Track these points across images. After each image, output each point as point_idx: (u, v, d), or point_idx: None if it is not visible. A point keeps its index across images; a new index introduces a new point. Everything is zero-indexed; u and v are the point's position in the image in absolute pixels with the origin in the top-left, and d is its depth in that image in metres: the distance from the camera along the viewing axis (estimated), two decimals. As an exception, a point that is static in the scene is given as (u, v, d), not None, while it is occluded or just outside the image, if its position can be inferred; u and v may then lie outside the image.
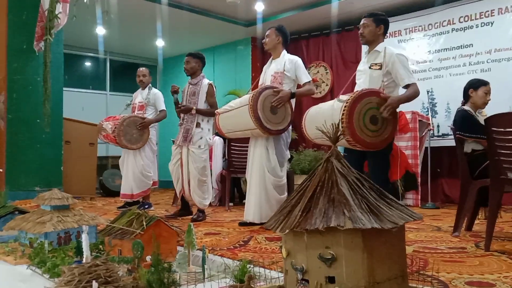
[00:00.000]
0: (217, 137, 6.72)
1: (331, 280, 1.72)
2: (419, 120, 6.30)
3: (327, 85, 8.28)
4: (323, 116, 3.34)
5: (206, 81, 4.93)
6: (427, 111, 6.48)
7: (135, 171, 5.81)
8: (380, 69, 3.55)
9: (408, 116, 6.26)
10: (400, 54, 3.61)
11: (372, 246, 1.73)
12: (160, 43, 9.25)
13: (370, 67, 3.62)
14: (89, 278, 1.36)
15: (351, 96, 3.21)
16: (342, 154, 1.99)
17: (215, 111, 4.56)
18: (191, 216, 4.93)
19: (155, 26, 8.19)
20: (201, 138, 4.78)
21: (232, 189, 6.59)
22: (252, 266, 2.04)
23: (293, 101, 4.31)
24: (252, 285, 1.73)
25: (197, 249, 2.59)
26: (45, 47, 5.91)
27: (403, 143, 6.28)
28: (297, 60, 4.35)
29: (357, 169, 3.76)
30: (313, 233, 1.75)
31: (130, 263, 2.45)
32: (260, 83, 4.47)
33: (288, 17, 7.85)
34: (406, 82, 3.50)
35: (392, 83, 3.56)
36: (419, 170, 6.28)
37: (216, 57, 9.72)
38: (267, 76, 4.40)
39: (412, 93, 3.48)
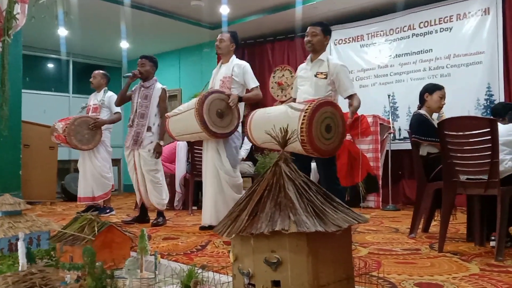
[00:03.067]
0: (181, 141, 6.67)
1: (276, 284, 1.73)
2: (380, 124, 6.40)
3: (292, 88, 8.31)
4: (275, 122, 3.37)
5: (159, 85, 4.92)
6: (388, 114, 6.59)
7: (93, 172, 5.72)
8: (326, 78, 3.72)
9: (370, 119, 6.35)
10: (343, 65, 3.81)
11: (317, 249, 1.74)
12: (124, 45, 9.13)
13: (315, 75, 3.76)
14: (24, 286, 1.32)
15: (310, 106, 3.25)
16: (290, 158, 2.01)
17: (165, 115, 4.56)
18: (151, 222, 4.86)
19: (119, 28, 8.07)
20: (151, 142, 4.76)
21: (195, 192, 6.54)
22: (201, 271, 2.03)
23: (241, 105, 4.38)
24: (198, 291, 1.71)
25: (151, 255, 2.56)
26: (3, 48, 5.74)
27: (364, 146, 6.37)
28: (245, 65, 4.44)
29: (305, 172, 3.88)
30: (259, 237, 1.76)
31: (80, 270, 2.40)
32: (209, 87, 4.53)
33: (253, 20, 7.87)
34: (349, 93, 3.70)
35: (334, 92, 3.74)
36: (380, 172, 6.38)
37: (182, 59, 9.67)
38: (216, 81, 4.48)
39: (358, 104, 3.68)
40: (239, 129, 4.40)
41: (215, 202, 4.23)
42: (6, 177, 6.19)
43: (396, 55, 7.11)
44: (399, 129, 6.92)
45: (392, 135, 6.55)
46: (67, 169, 9.06)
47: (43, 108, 9.07)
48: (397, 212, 5.96)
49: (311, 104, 3.30)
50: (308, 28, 3.85)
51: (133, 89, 5.04)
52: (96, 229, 2.65)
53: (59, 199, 8.33)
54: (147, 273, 2.49)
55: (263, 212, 1.78)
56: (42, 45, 9.25)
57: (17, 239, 3.06)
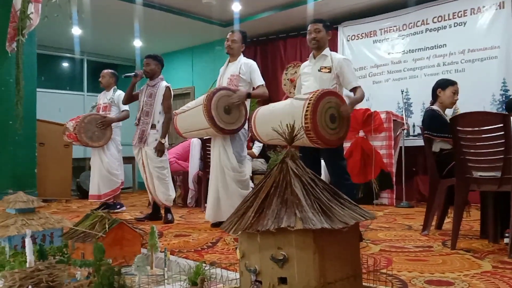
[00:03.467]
0: (194, 138, 6.70)
1: (283, 281, 1.72)
2: (394, 120, 6.34)
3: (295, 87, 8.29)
4: (280, 116, 3.39)
5: (164, 84, 4.98)
6: (402, 111, 6.53)
7: (101, 169, 5.79)
8: (330, 72, 3.72)
9: (383, 116, 6.31)
10: (347, 59, 3.84)
11: (324, 246, 1.73)
12: (137, 43, 9.19)
13: (319, 70, 3.77)
14: (31, 282, 1.34)
15: (314, 94, 3.27)
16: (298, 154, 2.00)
17: (173, 112, 4.60)
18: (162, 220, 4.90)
19: (132, 27, 8.13)
20: (155, 140, 4.82)
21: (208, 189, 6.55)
22: (209, 267, 2.03)
23: (247, 103, 4.43)
24: (205, 287, 1.72)
25: (161, 251, 2.58)
26: (18, 47, 5.83)
27: (377, 142, 6.33)
28: (252, 63, 4.50)
29: (313, 169, 3.85)
30: (265, 234, 1.75)
31: (91, 266, 2.42)
32: (217, 85, 4.55)
33: (265, 17, 7.86)
34: (353, 85, 3.69)
35: (339, 85, 3.75)
36: (394, 169, 6.33)
37: (195, 57, 9.70)
38: (223, 79, 4.52)
39: (360, 96, 3.65)
40: (246, 126, 4.41)
41: (218, 198, 4.28)
42: (22, 175, 6.28)
43: (410, 50, 7.05)
44: (413, 126, 6.85)
45: (405, 131, 6.49)
46: (82, 167, 9.16)
47: (58, 106, 9.18)
48: (411, 209, 5.91)
49: (315, 92, 3.31)
50: (309, 26, 3.86)
51: (141, 88, 5.13)
52: (107, 226, 2.67)
53: (75, 196, 8.43)
54: (157, 270, 2.51)
55: (269, 209, 1.78)
56: (56, 44, 9.35)
57: (31, 237, 3.12)
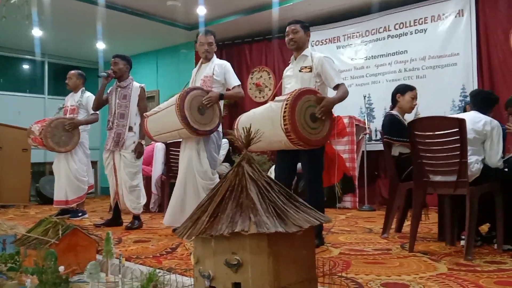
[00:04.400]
0: (158, 143, 6.62)
1: (237, 286, 1.71)
2: (356, 125, 6.43)
3: (270, 89, 8.32)
4: (260, 120, 3.33)
5: (137, 84, 4.85)
6: (364, 115, 6.63)
7: (69, 175, 5.61)
8: (311, 71, 3.66)
9: (346, 120, 6.38)
10: (327, 57, 3.75)
11: (278, 250, 1.73)
12: (100, 45, 9.02)
13: (300, 70, 3.72)
14: (-32, 292, 1.28)
15: (291, 94, 3.21)
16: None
17: (144, 114, 4.49)
18: (124, 225, 4.79)
19: (95, 28, 7.96)
20: (133, 142, 4.70)
21: (171, 194, 6.47)
22: (164, 274, 1.99)
23: (221, 103, 4.32)
24: (158, 294, 1.68)
25: (116, 258, 2.52)
26: (-26, 49, 5.65)
27: (340, 147, 6.39)
28: (226, 64, 4.38)
29: (290, 171, 3.78)
30: (220, 239, 1.74)
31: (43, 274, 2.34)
32: (190, 85, 4.45)
33: (230, 21, 7.84)
34: (336, 83, 3.59)
35: (322, 85, 3.67)
36: (356, 173, 6.41)
37: (160, 60, 9.60)
38: (196, 80, 4.38)
39: (343, 94, 3.56)
40: (220, 128, 4.30)
41: (182, 203, 4.12)
42: (-23, 180, 6.07)
43: (372, 56, 7.16)
44: (375, 130, 6.96)
45: (367, 136, 6.59)
46: (42, 171, 8.92)
47: (18, 109, 8.93)
48: (373, 212, 5.99)
49: (292, 92, 3.25)
50: (287, 27, 3.82)
51: (108, 91, 4.96)
52: (60, 232, 2.59)
53: (34, 202, 8.19)
54: (112, 277, 2.45)
55: (224, 213, 1.76)
56: (16, 46, 9.09)
57: (-19, 243, 3.00)
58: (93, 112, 5.58)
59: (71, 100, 5.85)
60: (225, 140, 6.53)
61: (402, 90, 4.12)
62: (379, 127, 6.78)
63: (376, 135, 6.96)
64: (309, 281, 1.83)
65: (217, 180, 4.26)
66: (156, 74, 9.63)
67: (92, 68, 10.22)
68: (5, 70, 9.22)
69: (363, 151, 6.52)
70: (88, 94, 5.80)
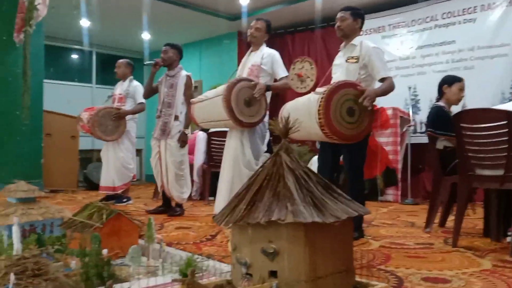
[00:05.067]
0: (200, 132, 6.71)
1: (273, 274, 1.71)
2: (400, 117, 6.30)
3: (312, 80, 8.25)
4: (299, 110, 3.31)
5: (184, 73, 4.87)
6: (409, 107, 6.48)
7: (116, 163, 5.78)
8: (357, 62, 3.52)
9: (389, 112, 6.26)
10: (377, 48, 3.58)
11: (315, 240, 1.72)
12: (146, 36, 9.19)
13: (346, 61, 3.59)
14: (16, 270, 1.34)
15: (328, 88, 3.16)
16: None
17: (191, 100, 4.52)
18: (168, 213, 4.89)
19: (141, 19, 8.12)
20: (179, 131, 4.74)
21: (212, 183, 6.56)
22: (201, 259, 2.03)
23: (268, 94, 4.27)
24: (196, 279, 1.71)
25: (157, 243, 2.58)
26: (25, 38, 5.86)
27: (383, 139, 6.28)
28: (275, 54, 4.31)
29: (333, 162, 3.74)
30: (257, 227, 1.75)
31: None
32: (237, 74, 4.43)
33: (273, 11, 7.80)
34: (382, 75, 3.46)
35: (369, 76, 3.52)
36: (399, 166, 6.29)
37: (203, 51, 9.68)
38: (244, 69, 4.36)
39: (388, 87, 3.42)
40: (266, 119, 4.28)
41: (229, 193, 4.10)
42: (28, 165, 6.34)
43: (418, 46, 6.97)
44: (420, 122, 6.79)
45: (412, 128, 6.45)
46: (90, 158, 9.20)
47: (66, 98, 9.21)
48: (416, 206, 5.87)
49: (330, 85, 3.19)
50: (338, 13, 3.71)
51: (159, 80, 5.01)
52: (104, 217, 2.67)
53: (82, 188, 8.47)
54: (153, 261, 2.51)
55: (261, 202, 1.77)
56: (65, 36, 9.37)
57: (31, 226, 3.14)
58: (140, 101, 5.71)
59: (119, 88, 6.00)
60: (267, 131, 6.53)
61: (449, 81, 4.00)
62: (425, 119, 6.62)
63: (421, 128, 6.79)
64: (346, 272, 1.82)
65: None
66: (199, 64, 9.73)
67: (137, 58, 10.42)
68: (55, 59, 9.52)
69: (407, 144, 6.38)
70: (135, 83, 5.92)
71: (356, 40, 3.63)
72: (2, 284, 1.34)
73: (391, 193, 6.33)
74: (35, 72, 6.12)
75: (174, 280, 1.74)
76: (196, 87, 9.56)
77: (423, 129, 6.69)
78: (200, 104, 4.31)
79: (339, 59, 3.75)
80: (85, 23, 8.34)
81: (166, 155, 4.76)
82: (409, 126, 6.31)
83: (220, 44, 9.25)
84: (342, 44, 3.76)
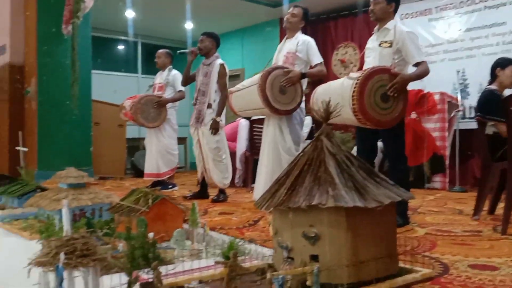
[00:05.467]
0: (243, 119, 6.75)
1: (314, 258, 1.72)
2: (448, 102, 6.11)
3: (355, 65, 8.11)
4: (331, 95, 3.27)
5: (218, 62, 4.92)
6: (458, 92, 6.27)
7: (160, 149, 5.92)
8: (390, 46, 3.45)
9: (436, 97, 6.09)
10: (411, 32, 3.51)
11: (357, 225, 1.71)
12: (188, 25, 9.29)
13: (380, 45, 3.52)
14: (66, 250, 1.40)
15: (362, 74, 3.12)
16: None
17: (228, 90, 4.57)
18: (210, 198, 4.97)
19: (184, 9, 8.22)
20: (212, 119, 4.80)
21: (255, 170, 6.59)
22: (243, 243, 2.05)
23: (304, 81, 4.27)
24: (238, 262, 1.74)
25: (201, 227, 2.63)
26: (73, 29, 6.06)
27: (430, 124, 6.12)
28: (310, 41, 4.29)
29: (371, 148, 3.70)
30: (297, 212, 1.75)
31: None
32: (273, 62, 4.44)
33: (316, -3, 7.71)
34: (416, 60, 3.39)
35: (402, 61, 3.46)
36: (447, 152, 6.11)
37: (245, 39, 9.70)
38: (279, 56, 4.37)
39: (422, 71, 3.36)
40: (302, 105, 4.29)
41: (270, 179, 4.11)
42: (78, 153, 6.57)
43: (467, 29, 6.71)
44: (469, 107, 6.56)
45: (461, 113, 6.24)
46: (137, 146, 9.43)
47: (113, 88, 9.45)
48: (464, 193, 5.70)
49: (365, 71, 3.16)
50: None
51: (197, 68, 5.10)
52: (150, 202, 2.74)
53: (129, 175, 8.71)
54: (197, 245, 2.56)
55: (301, 186, 1.77)
56: (111, 27, 9.59)
57: (81, 210, 3.26)
58: (179, 89, 5.82)
59: (159, 78, 6.13)
60: (308, 118, 6.51)
61: (503, 63, 3.85)
62: (474, 104, 6.40)
63: (470, 113, 6.56)
64: (389, 257, 1.79)
65: None
66: (241, 52, 9.75)
67: (181, 48, 10.56)
68: (102, 50, 9.77)
69: (455, 130, 6.19)
70: (174, 72, 6.03)
71: (390, 24, 3.55)
72: (53, 263, 1.41)
73: (438, 180, 6.16)
74: (83, 62, 6.32)
75: (217, 262, 1.78)
76: (238, 75, 9.62)
77: (472, 114, 6.47)
78: (237, 93, 4.38)
79: (372, 43, 3.69)
80: (130, 14, 8.52)
81: (203, 142, 4.87)
82: (458, 111, 6.11)
83: (262, 31, 9.24)
84: (376, 28, 3.69)
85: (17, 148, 4.69)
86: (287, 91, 4.09)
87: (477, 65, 6.49)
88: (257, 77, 4.11)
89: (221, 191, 4.94)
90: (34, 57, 6.44)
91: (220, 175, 4.86)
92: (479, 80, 6.41)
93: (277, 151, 4.21)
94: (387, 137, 3.48)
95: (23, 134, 4.88)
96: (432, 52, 7.03)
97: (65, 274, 1.34)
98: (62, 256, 1.31)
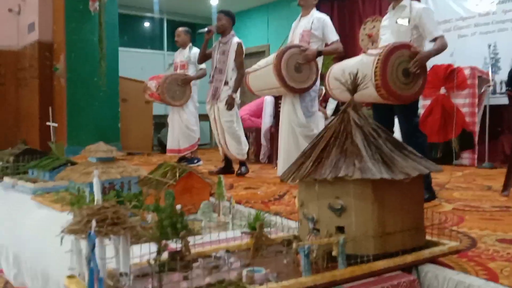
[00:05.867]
0: (268, 96, 6.73)
1: (340, 229, 1.73)
2: (479, 76, 5.95)
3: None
4: (349, 72, 3.27)
5: (235, 40, 4.96)
6: (489, 66, 6.10)
7: (180, 126, 6.00)
8: (408, 23, 3.47)
9: (467, 72, 5.93)
10: (426, 8, 3.58)
11: (383, 197, 1.71)
12: (214, 1, 9.24)
13: (396, 22, 3.53)
14: (97, 218, 1.44)
15: (384, 49, 3.13)
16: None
17: (246, 70, 4.62)
18: (235, 172, 5.02)
19: (209, -16, 8.18)
20: (228, 96, 4.86)
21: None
22: (270, 215, 2.07)
23: (319, 59, 4.28)
24: (264, 233, 1.76)
25: (227, 200, 2.66)
26: (100, 7, 6.11)
27: (460, 100, 5.99)
28: (325, 18, 4.30)
29: (387, 125, 3.69)
30: (323, 184, 1.76)
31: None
32: (289, 41, 4.45)
33: (343, -30, 7.56)
34: (434, 35, 3.41)
35: (420, 37, 3.48)
36: (476, 128, 5.98)
37: (270, 14, 9.59)
38: (295, 34, 4.38)
39: (440, 46, 3.39)
40: (317, 83, 4.32)
41: (288, 155, 4.19)
42: (107, 129, 6.69)
43: (500, 1, 6.47)
44: (501, 82, 6.39)
45: (491, 88, 6.08)
46: (163, 123, 9.50)
47: (139, 65, 9.53)
48: (493, 170, 5.59)
49: (386, 47, 3.17)
50: None
51: (213, 46, 5.15)
52: (177, 175, 2.78)
53: (156, 151, 8.83)
54: (223, 217, 2.60)
55: (328, 158, 1.77)
56: (137, 4, 9.62)
57: (110, 183, 3.33)
58: (201, 67, 5.86)
59: (180, 56, 6.17)
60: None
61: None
62: (505, 79, 6.23)
63: (501, 88, 6.39)
64: (416, 230, 1.79)
65: (313, 128, 4.30)
66: (267, 28, 9.66)
67: (206, 24, 10.54)
68: (128, 27, 9.82)
69: (485, 105, 6.05)
70: (195, 49, 6.05)
71: (405, 1, 3.57)
72: (85, 231, 1.45)
73: (467, 157, 6.05)
74: (110, 39, 6.39)
75: (243, 233, 1.80)
76: (263, 51, 9.56)
77: (503, 89, 6.29)
78: (254, 74, 4.43)
79: (387, 21, 3.70)
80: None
81: (219, 117, 4.94)
82: (488, 86, 5.95)
83: (287, 6, 9.09)
84: (391, 6, 3.68)
85: (48, 123, 4.80)
86: (302, 70, 4.11)
87: (509, 38, 6.28)
88: (272, 57, 4.15)
89: (242, 164, 5.01)
90: (63, 35, 6.53)
91: (237, 147, 4.95)
92: (511, 54, 6.23)
93: (292, 128, 4.28)
94: (403, 114, 3.50)
95: (52, 111, 4.99)
96: (463, 26, 6.82)
97: (96, 241, 1.38)
98: (94, 223, 1.35)
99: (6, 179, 4.03)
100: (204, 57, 5.25)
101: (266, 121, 6.61)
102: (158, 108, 8.67)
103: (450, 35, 6.71)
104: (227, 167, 5.15)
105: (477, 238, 2.28)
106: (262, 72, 4.30)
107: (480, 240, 2.24)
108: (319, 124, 4.68)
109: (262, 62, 4.42)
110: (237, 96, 4.94)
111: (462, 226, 2.56)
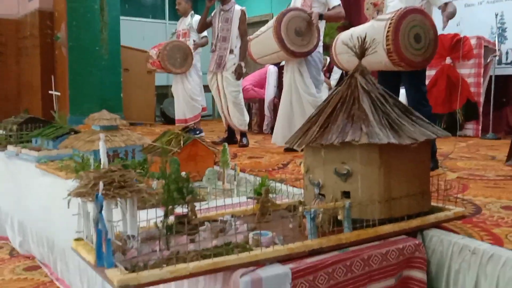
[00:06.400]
0: (271, 66, 6.68)
1: (346, 194, 1.73)
2: (485, 46, 5.88)
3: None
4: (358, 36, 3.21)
5: (238, 8, 4.91)
6: (495, 36, 6.02)
7: (184, 96, 5.96)
8: None
9: (473, 41, 5.85)
10: None
11: (390, 162, 1.70)
12: (216, -31, 9.07)
13: None
14: (104, 182, 1.44)
15: (396, 13, 3.04)
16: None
17: (248, 38, 4.58)
18: (238, 143, 5.03)
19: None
20: (234, 64, 4.83)
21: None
22: (274, 182, 2.07)
23: (322, 24, 4.25)
24: (269, 198, 1.76)
25: (231, 168, 2.66)
26: (101, -26, 6.01)
27: (465, 70, 5.93)
28: None
29: (394, 92, 3.66)
30: (330, 149, 1.75)
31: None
32: (291, 6, 4.39)
33: None
34: (443, 1, 3.34)
35: (427, 3, 3.43)
36: (481, 99, 5.94)
37: (274, -18, 9.44)
38: (297, 1, 4.30)
39: (453, 10, 3.33)
40: (320, 49, 4.29)
41: (289, 121, 4.22)
42: (109, 98, 6.66)
43: (509, -31, 6.36)
44: (507, 52, 6.31)
45: (497, 58, 6.01)
46: (165, 94, 9.49)
47: (141, 34, 9.42)
48: (497, 141, 5.57)
49: (398, 11, 3.08)
50: None
51: (212, 14, 5.07)
52: (182, 143, 2.78)
53: (159, 122, 8.82)
54: (228, 185, 2.60)
55: (334, 124, 1.76)
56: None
57: (114, 151, 3.33)
58: (204, 35, 5.78)
59: (182, 24, 6.09)
60: (336, 68, 6.43)
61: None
62: (512, 49, 6.17)
63: (507, 58, 6.32)
64: (422, 195, 1.79)
65: (323, 98, 4.27)
66: (270, -5, 9.53)
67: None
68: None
69: (491, 76, 5.99)
70: (197, 17, 5.95)
71: None
72: (92, 193, 1.45)
73: (471, 128, 6.03)
74: (111, 8, 6.30)
75: (249, 198, 1.80)
76: (266, 20, 9.42)
77: (510, 59, 6.23)
78: (255, 40, 4.40)
79: None
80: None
81: (224, 86, 4.90)
82: (494, 56, 5.88)
83: (292, -26, 8.95)
84: None
85: (50, 92, 4.78)
86: (303, 33, 4.06)
87: (517, 7, 6.18)
88: (272, 21, 4.09)
89: (243, 135, 5.01)
90: (63, 3, 6.44)
91: (240, 118, 4.95)
92: (518, 23, 6.14)
93: (297, 94, 4.24)
94: (411, 82, 3.45)
95: (54, 80, 4.96)
96: (470, -6, 6.72)
97: (104, 203, 1.38)
98: (101, 184, 1.35)
99: (10, 148, 4.03)
100: (204, 25, 5.18)
101: (269, 92, 6.58)
102: (160, 79, 8.62)
103: (457, 4, 6.49)
104: (230, 137, 5.16)
105: (481, 205, 2.28)
106: (262, 37, 4.25)
107: (484, 207, 2.25)
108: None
109: (264, 27, 4.37)
110: (243, 64, 4.89)
111: (467, 194, 2.57)
